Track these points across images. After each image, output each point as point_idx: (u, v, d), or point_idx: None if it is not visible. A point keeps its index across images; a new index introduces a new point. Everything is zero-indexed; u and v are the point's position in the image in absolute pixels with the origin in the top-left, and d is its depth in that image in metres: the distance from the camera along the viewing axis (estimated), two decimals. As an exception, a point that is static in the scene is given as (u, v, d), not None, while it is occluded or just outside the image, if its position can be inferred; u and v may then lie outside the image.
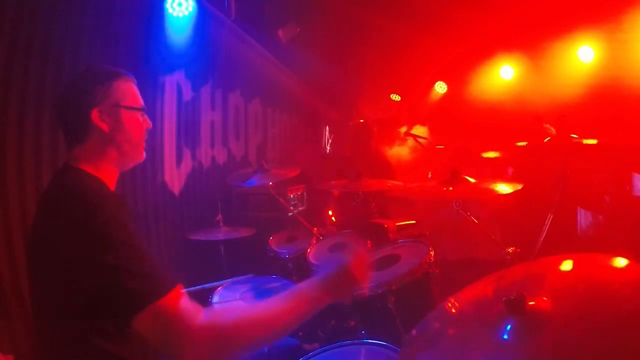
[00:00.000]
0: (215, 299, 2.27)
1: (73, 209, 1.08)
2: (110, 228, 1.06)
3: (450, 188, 2.02)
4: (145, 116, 1.38)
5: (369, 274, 1.31)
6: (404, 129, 5.54)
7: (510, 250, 1.93)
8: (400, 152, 6.02)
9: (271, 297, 1.18)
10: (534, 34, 4.93)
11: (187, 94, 3.89)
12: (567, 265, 1.04)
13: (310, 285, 1.20)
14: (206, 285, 2.18)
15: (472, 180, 2.06)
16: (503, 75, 5.82)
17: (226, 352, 1.08)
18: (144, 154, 1.39)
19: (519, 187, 1.94)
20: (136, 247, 1.07)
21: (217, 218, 3.11)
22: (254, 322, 1.12)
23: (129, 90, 1.33)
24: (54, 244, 1.10)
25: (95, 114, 1.24)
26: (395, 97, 7.16)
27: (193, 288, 1.96)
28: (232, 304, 1.31)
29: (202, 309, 1.08)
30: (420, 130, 6.29)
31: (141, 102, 1.36)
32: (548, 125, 3.62)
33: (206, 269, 3.20)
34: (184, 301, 1.06)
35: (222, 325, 1.08)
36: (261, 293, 2.35)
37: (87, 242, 1.05)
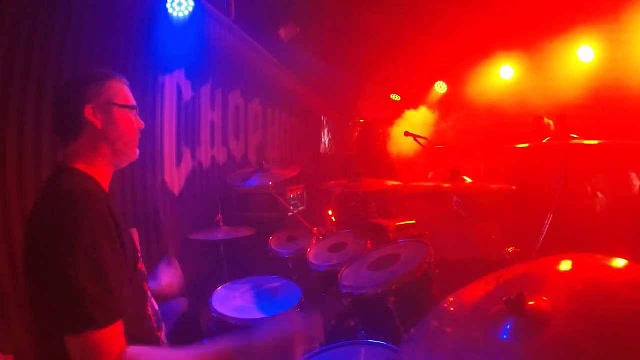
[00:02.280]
0: (215, 299, 2.28)
1: (54, 216, 1.11)
2: (80, 243, 1.06)
3: (449, 187, 2.03)
4: (137, 116, 1.42)
5: (315, 345, 1.23)
6: (403, 129, 5.54)
7: (510, 250, 1.93)
8: (400, 152, 6.03)
9: (193, 351, 1.16)
10: (534, 33, 4.93)
11: (187, 94, 3.88)
12: (566, 266, 1.04)
13: (237, 347, 1.14)
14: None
15: (470, 180, 2.06)
16: (503, 75, 5.82)
17: None
18: (138, 152, 1.43)
19: (513, 188, 1.95)
20: (98, 268, 1.07)
21: (217, 218, 3.11)
22: None
23: (121, 90, 1.38)
24: (36, 245, 1.13)
25: (88, 110, 1.29)
26: (395, 97, 7.16)
27: None
28: (155, 350, 1.28)
29: (126, 350, 1.07)
30: (418, 123, 6.28)
31: (133, 101, 1.41)
32: (548, 121, 3.61)
33: (206, 269, 3.20)
34: (116, 339, 1.06)
35: None
36: (261, 293, 2.36)
37: (55, 250, 1.07)
